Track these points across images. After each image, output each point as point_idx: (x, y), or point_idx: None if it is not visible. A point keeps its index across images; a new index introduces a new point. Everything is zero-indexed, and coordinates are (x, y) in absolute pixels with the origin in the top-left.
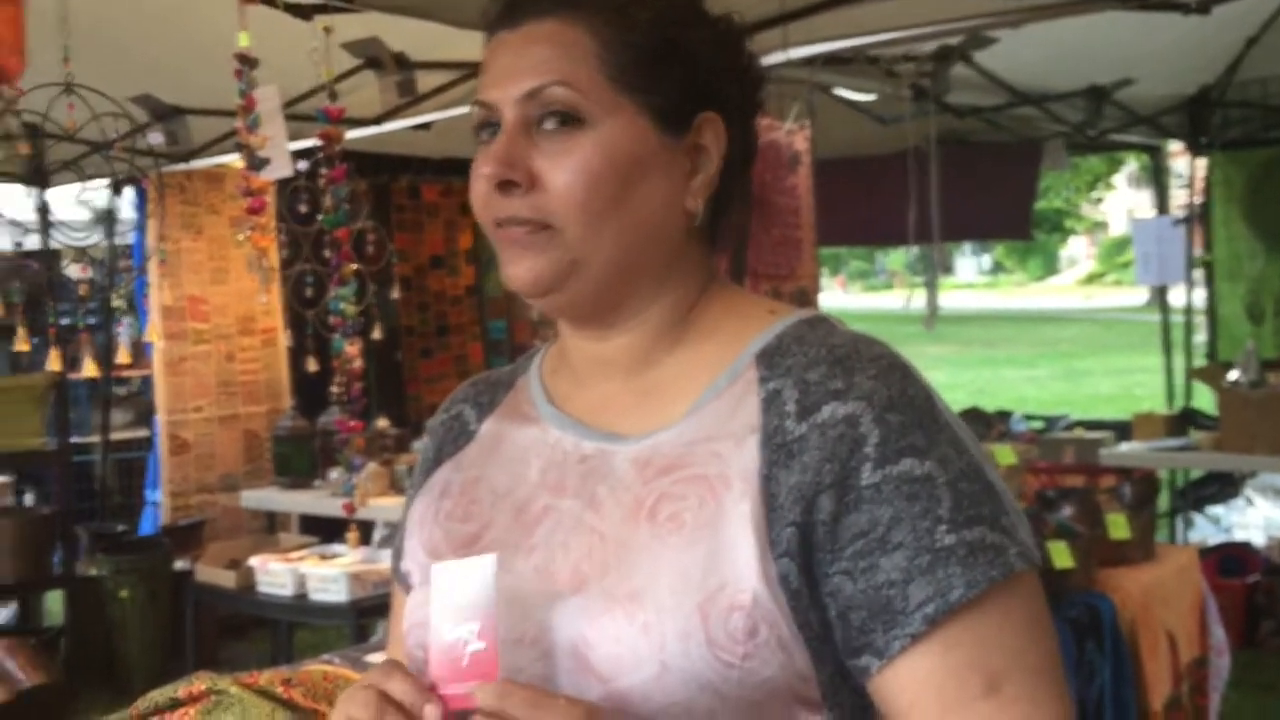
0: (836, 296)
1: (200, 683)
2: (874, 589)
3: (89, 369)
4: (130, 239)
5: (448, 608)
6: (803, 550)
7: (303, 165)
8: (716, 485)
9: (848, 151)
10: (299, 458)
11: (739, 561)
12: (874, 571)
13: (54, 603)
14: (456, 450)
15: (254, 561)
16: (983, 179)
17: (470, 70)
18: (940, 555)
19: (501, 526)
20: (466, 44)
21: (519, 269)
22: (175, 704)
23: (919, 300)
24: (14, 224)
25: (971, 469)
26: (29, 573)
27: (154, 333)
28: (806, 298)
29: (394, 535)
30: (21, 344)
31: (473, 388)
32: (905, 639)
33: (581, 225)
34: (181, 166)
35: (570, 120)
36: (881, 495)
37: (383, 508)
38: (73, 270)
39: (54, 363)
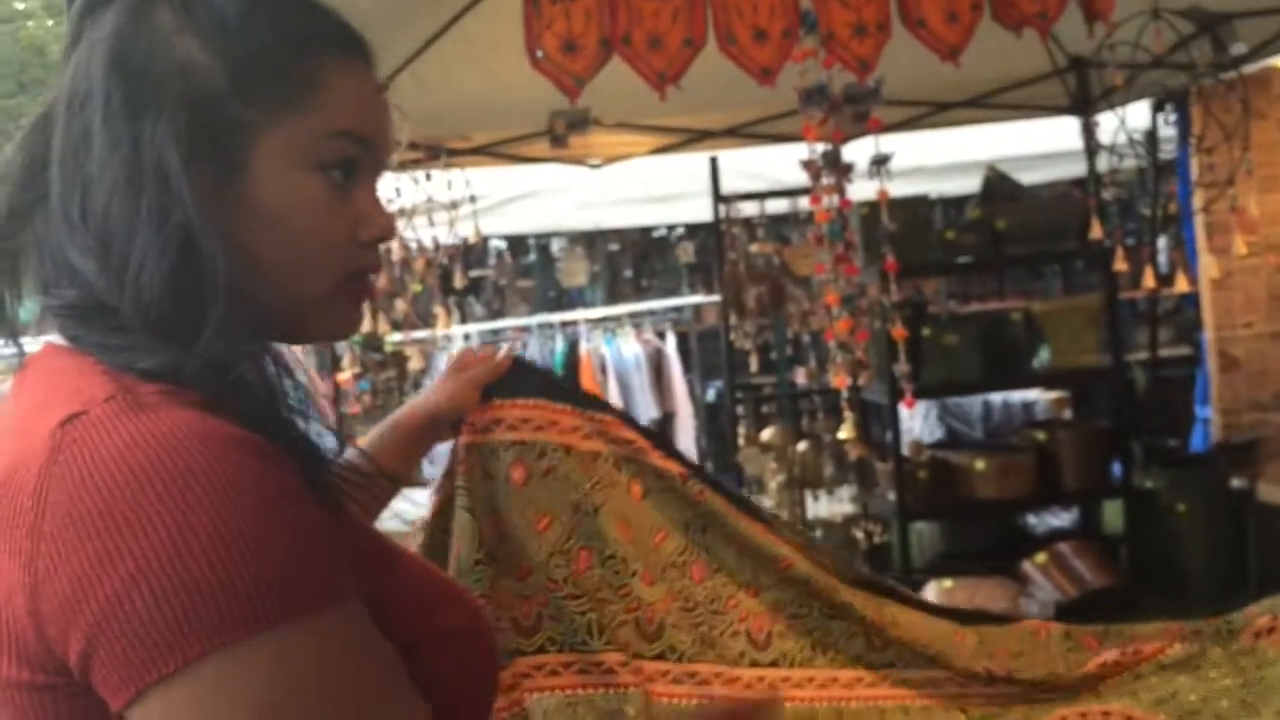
0: None
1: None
2: None
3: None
4: (1175, 155)
5: None
6: None
7: None
8: None
9: None
10: None
11: None
12: None
13: (1111, 512)
14: None
15: None
16: None
17: None
18: None
19: None
20: None
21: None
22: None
23: None
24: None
25: None
26: (1090, 482)
27: (1203, 254)
28: None
29: None
30: (1120, 264)
31: None
32: None
33: None
34: (1227, 75)
35: None
36: None
37: None
38: (1109, 193)
39: (1149, 280)
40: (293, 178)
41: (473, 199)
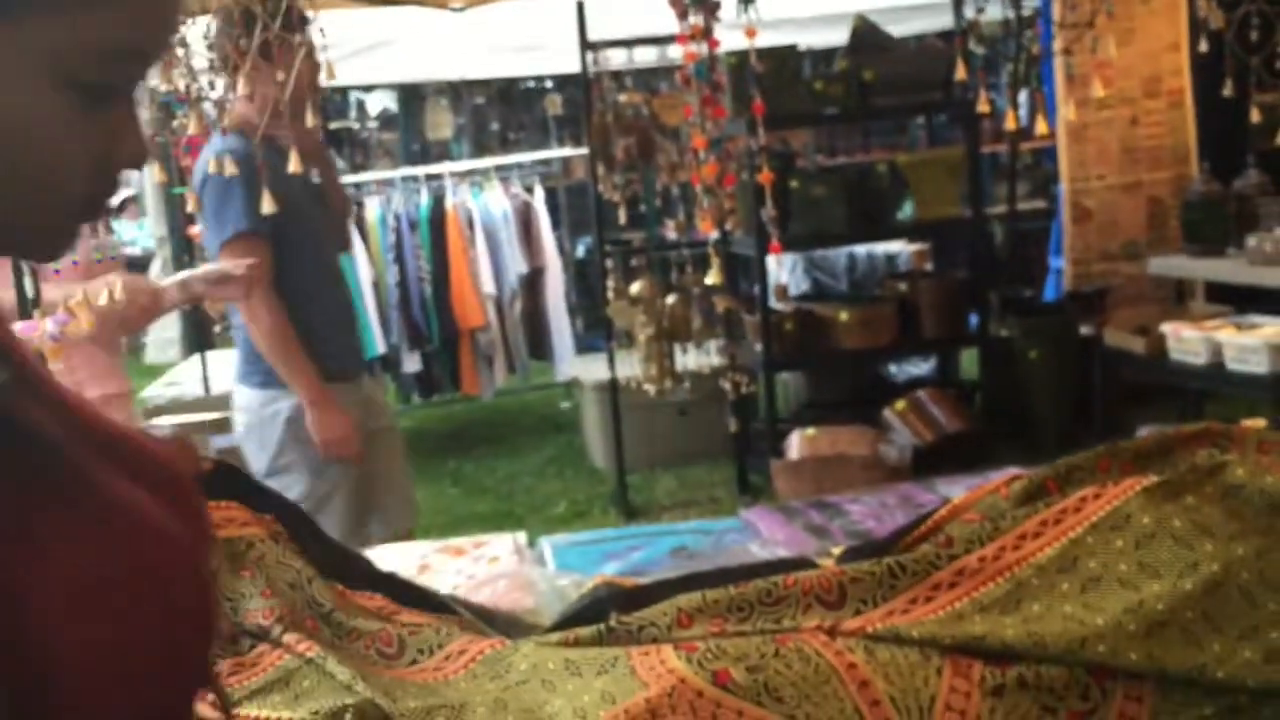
0: None
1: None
2: None
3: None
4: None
5: None
6: None
7: None
8: None
9: None
10: (1210, 224)
11: None
12: None
13: (968, 360)
14: None
15: (1165, 328)
16: None
17: None
18: None
19: None
20: None
21: None
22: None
23: None
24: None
25: None
26: (948, 331)
27: (1062, 103)
28: None
29: None
30: (983, 106)
31: None
32: None
33: None
34: None
35: None
36: None
37: None
38: (974, 44)
39: (1010, 122)
40: (27, 86)
41: (322, 32)
